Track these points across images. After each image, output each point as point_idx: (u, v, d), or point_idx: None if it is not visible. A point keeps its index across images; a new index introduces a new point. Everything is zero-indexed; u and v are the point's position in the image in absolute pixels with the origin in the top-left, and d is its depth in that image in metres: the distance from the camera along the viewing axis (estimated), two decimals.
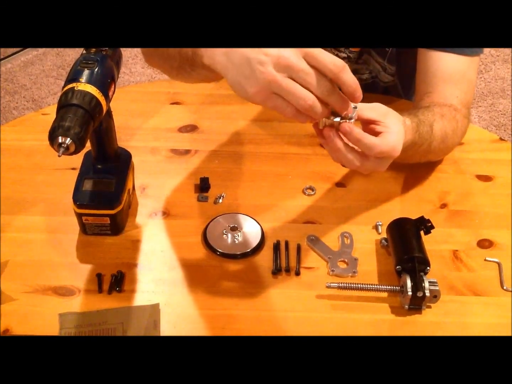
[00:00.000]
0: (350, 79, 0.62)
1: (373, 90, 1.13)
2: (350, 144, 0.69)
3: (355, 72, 1.11)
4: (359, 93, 0.63)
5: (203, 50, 0.67)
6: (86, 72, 0.72)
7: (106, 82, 0.74)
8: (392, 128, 0.73)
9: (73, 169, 0.89)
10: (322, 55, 0.61)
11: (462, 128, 0.93)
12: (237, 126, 1.06)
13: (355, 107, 0.68)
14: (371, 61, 1.08)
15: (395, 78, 1.11)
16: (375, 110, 0.74)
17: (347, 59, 1.07)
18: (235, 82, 0.63)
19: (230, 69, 0.63)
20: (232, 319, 0.77)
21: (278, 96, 0.61)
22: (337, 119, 0.67)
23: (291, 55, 0.60)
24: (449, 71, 0.94)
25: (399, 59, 1.06)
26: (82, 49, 0.77)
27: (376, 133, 0.72)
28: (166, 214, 0.90)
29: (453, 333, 0.76)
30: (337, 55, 1.07)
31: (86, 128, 0.69)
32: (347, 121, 0.67)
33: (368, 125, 0.74)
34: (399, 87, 1.15)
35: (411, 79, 1.05)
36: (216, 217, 0.88)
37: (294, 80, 0.61)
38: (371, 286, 0.78)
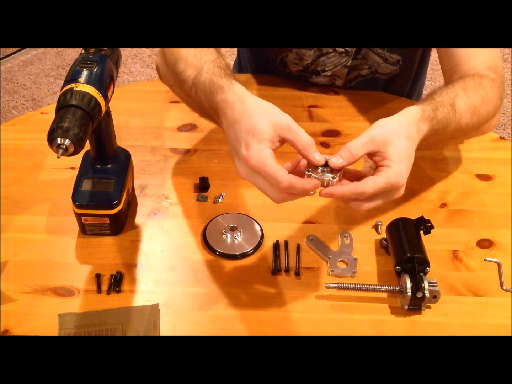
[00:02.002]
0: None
1: (373, 86, 1.12)
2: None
3: (354, 68, 1.10)
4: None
5: (222, 118, 0.73)
6: (85, 73, 0.72)
7: (105, 82, 0.74)
8: (392, 158, 0.69)
9: (73, 168, 0.89)
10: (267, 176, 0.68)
11: (493, 92, 0.87)
12: None
13: (340, 173, 0.69)
14: (370, 56, 1.08)
15: (397, 67, 1.10)
16: (371, 142, 0.69)
17: (345, 54, 1.07)
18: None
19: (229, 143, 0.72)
20: (232, 319, 0.77)
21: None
22: (324, 175, 0.69)
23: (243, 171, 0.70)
24: None
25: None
26: (81, 48, 0.77)
27: (378, 166, 0.70)
28: (165, 213, 0.90)
29: (452, 334, 0.76)
30: (334, 50, 1.06)
31: (85, 129, 0.69)
32: (331, 179, 0.68)
33: (371, 158, 0.71)
34: (400, 78, 1.14)
35: (416, 65, 1.03)
36: (216, 217, 0.88)
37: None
38: (370, 286, 0.78)
